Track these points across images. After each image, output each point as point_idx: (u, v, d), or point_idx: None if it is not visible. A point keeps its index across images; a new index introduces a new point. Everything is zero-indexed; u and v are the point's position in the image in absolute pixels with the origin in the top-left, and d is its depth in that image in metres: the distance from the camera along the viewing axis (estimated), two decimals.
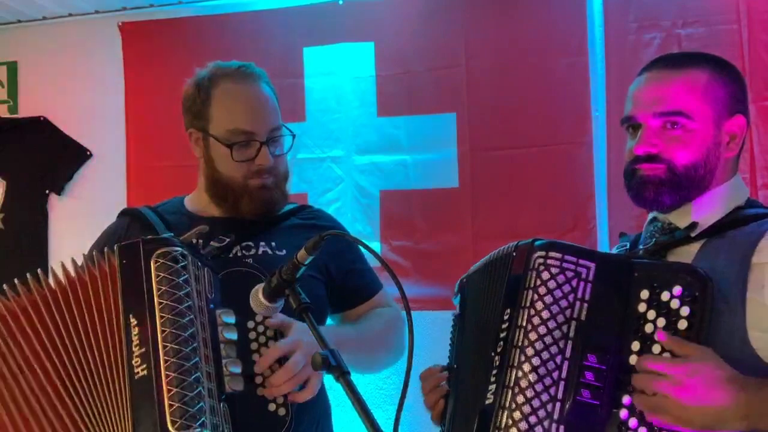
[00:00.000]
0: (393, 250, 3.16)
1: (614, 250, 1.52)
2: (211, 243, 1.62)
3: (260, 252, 1.71)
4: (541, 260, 1.30)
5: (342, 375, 1.22)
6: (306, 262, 1.32)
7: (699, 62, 1.39)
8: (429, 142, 3.16)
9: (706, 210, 1.37)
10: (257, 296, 1.38)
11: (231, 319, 1.49)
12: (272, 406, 1.49)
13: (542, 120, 3.03)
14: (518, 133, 3.06)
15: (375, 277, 1.89)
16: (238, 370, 1.46)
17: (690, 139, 1.35)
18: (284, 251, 1.71)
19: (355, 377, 1.26)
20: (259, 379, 1.49)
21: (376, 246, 3.14)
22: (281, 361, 1.50)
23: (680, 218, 1.39)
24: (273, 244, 1.73)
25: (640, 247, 1.41)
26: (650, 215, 1.45)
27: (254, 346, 1.51)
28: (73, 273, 1.48)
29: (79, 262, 1.51)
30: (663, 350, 1.23)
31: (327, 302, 1.78)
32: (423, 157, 3.17)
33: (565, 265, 1.29)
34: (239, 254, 1.69)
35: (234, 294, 1.50)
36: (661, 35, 2.90)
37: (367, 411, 1.18)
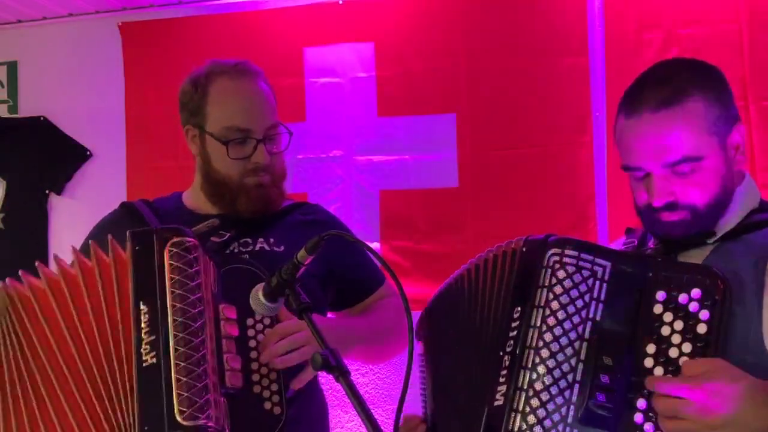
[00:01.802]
0: (393, 250, 3.16)
1: (621, 247, 1.50)
2: (211, 239, 1.62)
3: (257, 248, 1.70)
4: (556, 258, 1.27)
5: (342, 375, 1.22)
6: (306, 263, 1.32)
7: (688, 88, 1.31)
8: (429, 142, 3.15)
9: (724, 217, 1.35)
10: (257, 296, 1.38)
11: (232, 314, 1.49)
12: (267, 405, 1.48)
13: (542, 120, 3.03)
14: (518, 133, 3.06)
15: (377, 270, 1.88)
16: (237, 365, 1.46)
17: (705, 178, 1.31)
18: (282, 247, 1.71)
19: (355, 377, 1.25)
20: (256, 377, 1.49)
21: (376, 246, 3.14)
22: None
23: None
24: (271, 240, 1.73)
25: (650, 246, 1.39)
26: None
27: (252, 343, 1.51)
28: (81, 259, 1.48)
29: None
30: (680, 354, 1.20)
31: (323, 299, 1.78)
32: (423, 157, 3.17)
33: (581, 263, 1.26)
34: (236, 251, 1.69)
35: (233, 290, 1.50)
36: (661, 35, 2.89)
37: (367, 411, 1.18)
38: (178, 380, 1.32)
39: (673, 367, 1.21)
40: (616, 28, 2.97)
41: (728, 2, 2.82)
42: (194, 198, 1.81)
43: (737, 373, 1.16)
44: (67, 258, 1.53)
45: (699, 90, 1.32)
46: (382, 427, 1.17)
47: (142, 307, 1.39)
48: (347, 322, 1.80)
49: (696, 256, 1.32)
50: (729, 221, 1.35)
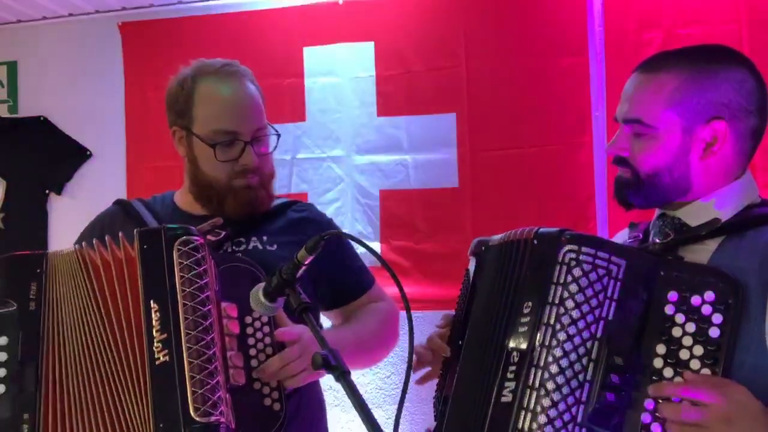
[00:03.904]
0: (393, 250, 3.16)
1: (626, 241, 1.49)
2: (208, 237, 1.62)
3: (250, 247, 1.70)
4: (572, 255, 1.24)
5: (342, 375, 1.21)
6: (306, 262, 1.32)
7: (678, 64, 1.35)
8: (429, 142, 3.16)
9: (719, 207, 1.35)
10: (257, 296, 1.38)
11: (234, 312, 1.49)
12: (267, 401, 1.49)
13: (542, 120, 3.03)
14: (518, 133, 3.06)
15: (367, 273, 1.88)
16: (240, 363, 1.46)
17: (653, 146, 1.35)
18: (275, 246, 1.71)
19: (355, 377, 1.25)
20: (256, 374, 1.49)
21: (376, 246, 3.14)
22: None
23: (688, 215, 1.37)
24: (264, 238, 1.72)
25: (655, 240, 1.38)
26: (658, 211, 1.43)
27: (251, 341, 1.52)
28: (102, 252, 1.49)
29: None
30: (691, 356, 1.20)
31: (316, 300, 1.78)
32: (423, 157, 3.17)
33: (597, 261, 1.23)
34: (229, 250, 1.69)
35: (231, 288, 1.51)
36: (661, 35, 2.90)
37: (367, 411, 1.17)
38: (191, 378, 1.33)
39: (682, 369, 1.20)
40: (616, 28, 2.97)
41: (728, 2, 2.82)
42: (184, 198, 1.80)
43: (751, 394, 1.16)
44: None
45: (681, 71, 1.35)
46: (382, 427, 1.17)
47: (152, 305, 1.39)
48: (336, 332, 1.80)
49: (700, 252, 1.31)
50: (724, 212, 1.34)
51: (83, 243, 1.52)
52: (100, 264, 1.47)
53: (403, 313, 1.31)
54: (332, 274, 1.78)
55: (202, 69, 1.73)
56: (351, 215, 3.24)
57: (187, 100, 1.71)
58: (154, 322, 1.38)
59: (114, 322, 1.42)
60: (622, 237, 1.53)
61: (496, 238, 1.43)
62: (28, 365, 1.39)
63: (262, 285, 1.38)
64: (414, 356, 1.39)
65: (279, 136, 1.77)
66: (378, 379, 3.18)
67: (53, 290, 1.46)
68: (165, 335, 1.36)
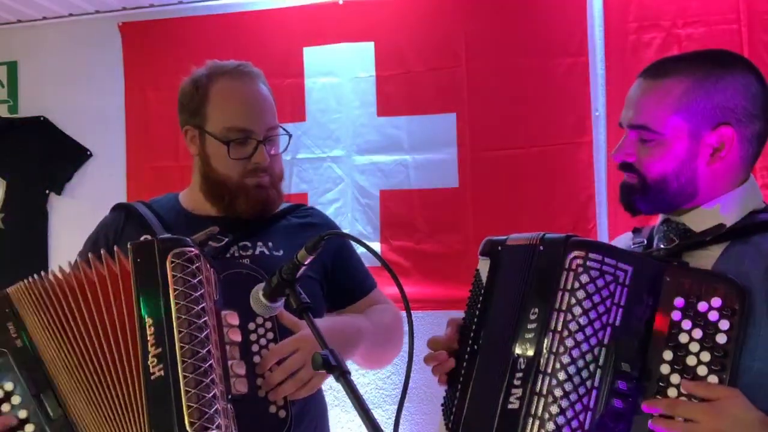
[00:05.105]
0: (393, 250, 3.16)
1: (630, 245, 1.48)
2: (210, 242, 1.62)
3: (257, 252, 1.70)
4: (579, 261, 1.24)
5: (342, 375, 1.21)
6: (306, 262, 1.32)
7: (684, 70, 1.35)
8: (429, 142, 3.16)
9: (724, 213, 1.35)
10: (257, 296, 1.38)
11: (235, 320, 1.49)
12: (273, 408, 1.48)
13: (542, 120, 3.04)
14: (518, 133, 3.07)
15: (369, 275, 1.89)
16: (243, 371, 1.46)
17: (660, 152, 1.34)
18: (281, 252, 1.71)
19: (355, 377, 1.25)
20: (260, 381, 1.49)
21: (376, 246, 3.14)
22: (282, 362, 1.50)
23: (693, 221, 1.37)
24: (270, 244, 1.72)
25: (660, 245, 1.38)
26: (662, 216, 1.43)
27: (255, 348, 1.51)
28: (84, 270, 1.47)
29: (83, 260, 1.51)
30: (698, 362, 1.20)
31: (323, 301, 1.78)
32: (423, 157, 3.17)
33: (604, 268, 1.23)
34: (236, 255, 1.69)
35: (233, 295, 1.50)
36: (661, 35, 2.90)
37: (367, 411, 1.17)
38: (186, 392, 1.31)
39: (690, 375, 1.20)
40: (616, 28, 2.97)
41: (728, 2, 2.83)
42: (192, 199, 1.80)
43: (750, 405, 1.17)
44: (64, 263, 1.53)
45: (686, 76, 1.35)
46: (382, 427, 1.17)
47: (147, 319, 1.38)
48: (356, 318, 1.80)
49: (705, 258, 1.31)
50: (726, 217, 1.34)
51: (77, 259, 1.51)
52: (96, 280, 1.46)
53: (403, 313, 1.31)
54: (335, 275, 1.78)
55: (216, 69, 1.74)
56: (351, 215, 3.24)
57: (201, 98, 1.72)
58: (148, 336, 1.36)
59: (102, 338, 1.41)
60: (624, 241, 1.53)
61: (511, 238, 1.42)
62: (45, 394, 1.39)
63: (262, 285, 1.38)
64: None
65: (290, 136, 1.78)
66: (378, 379, 3.19)
67: (28, 321, 1.45)
68: (159, 350, 1.35)
